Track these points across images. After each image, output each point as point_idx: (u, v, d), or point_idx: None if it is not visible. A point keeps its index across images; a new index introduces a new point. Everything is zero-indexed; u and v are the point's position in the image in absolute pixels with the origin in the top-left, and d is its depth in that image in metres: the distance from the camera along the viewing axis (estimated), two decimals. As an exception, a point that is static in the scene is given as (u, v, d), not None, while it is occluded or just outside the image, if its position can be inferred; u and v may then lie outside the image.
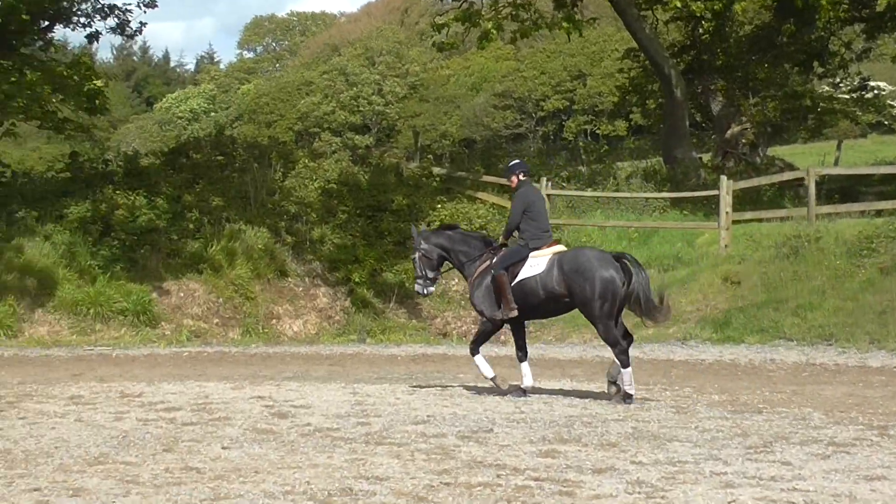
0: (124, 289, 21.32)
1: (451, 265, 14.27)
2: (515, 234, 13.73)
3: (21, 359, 18.33)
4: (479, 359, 13.76)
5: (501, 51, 47.92)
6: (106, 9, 26.48)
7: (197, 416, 11.68)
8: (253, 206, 25.21)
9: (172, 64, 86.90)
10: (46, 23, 25.94)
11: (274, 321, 22.06)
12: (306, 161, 26.65)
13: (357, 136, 52.85)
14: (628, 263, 13.21)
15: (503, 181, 25.74)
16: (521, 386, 13.59)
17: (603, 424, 10.89)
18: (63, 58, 28.10)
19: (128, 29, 27.26)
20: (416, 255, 14.16)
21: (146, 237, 22.89)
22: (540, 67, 53.21)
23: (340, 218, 24.92)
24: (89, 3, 26.33)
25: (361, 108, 54.49)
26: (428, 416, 11.65)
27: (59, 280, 21.62)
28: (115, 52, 77.95)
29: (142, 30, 27.28)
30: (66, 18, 26.17)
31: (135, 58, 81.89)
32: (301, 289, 23.52)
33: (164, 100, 65.49)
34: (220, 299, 22.54)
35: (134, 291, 21.60)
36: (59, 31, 24.64)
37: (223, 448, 9.76)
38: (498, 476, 8.48)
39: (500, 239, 14.24)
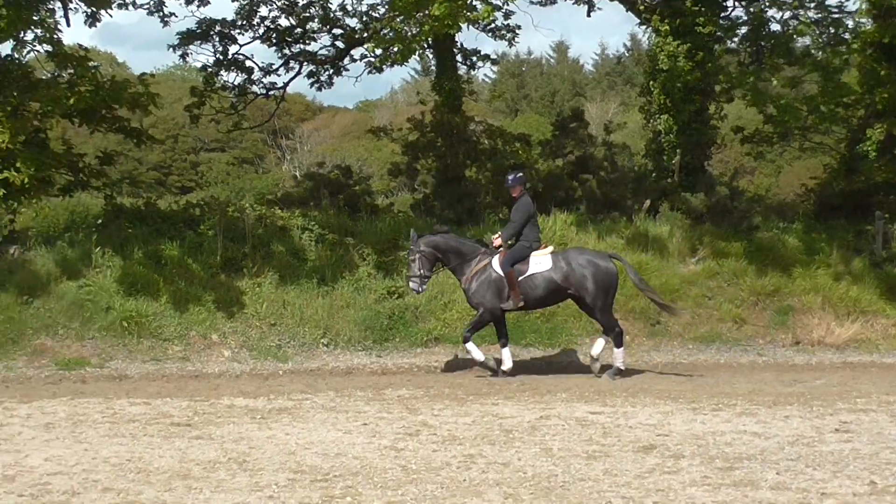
0: None
1: (442, 265, 16.53)
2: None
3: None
4: (470, 346, 16.25)
5: None
6: None
7: None
8: None
9: None
10: None
11: None
12: None
13: None
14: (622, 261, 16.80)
15: None
16: (503, 368, 16.31)
17: None
18: None
19: None
20: (416, 255, 16.23)
21: None
22: None
23: None
24: None
25: None
26: None
27: None
28: None
29: None
30: None
31: None
32: None
33: None
34: None
35: None
36: None
37: None
38: None
39: (497, 240, 16.35)
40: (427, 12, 18.03)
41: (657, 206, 23.41)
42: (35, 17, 18.52)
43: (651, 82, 24.07)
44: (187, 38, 25.50)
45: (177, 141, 54.26)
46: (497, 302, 16.16)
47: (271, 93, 27.21)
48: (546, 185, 24.63)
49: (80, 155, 21.73)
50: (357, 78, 48.76)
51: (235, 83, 26.45)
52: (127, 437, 11.07)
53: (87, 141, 33.26)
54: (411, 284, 16.58)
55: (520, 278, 16.05)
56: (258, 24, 25.93)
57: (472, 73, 26.76)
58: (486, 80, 66.69)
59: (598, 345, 16.43)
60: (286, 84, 27.39)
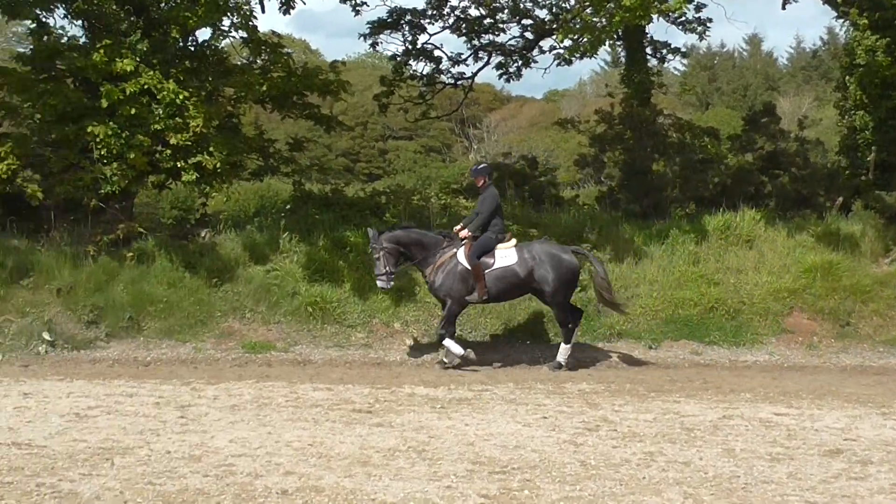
0: None
1: (406, 260, 16.30)
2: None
3: None
4: (447, 341, 16.03)
5: None
6: None
7: None
8: None
9: None
10: None
11: None
12: None
13: None
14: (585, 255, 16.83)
15: None
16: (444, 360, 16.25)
17: None
18: None
19: None
20: (381, 253, 15.92)
21: None
22: None
23: None
24: None
25: None
26: None
27: None
28: None
29: None
30: None
31: None
32: None
33: None
34: None
35: None
36: None
37: None
38: None
39: (464, 231, 16.22)
40: (618, 3, 17.84)
41: (850, 204, 22.69)
42: (231, 4, 19.02)
43: (847, 77, 23.34)
44: (378, 27, 25.91)
45: (366, 128, 55.28)
46: (464, 293, 16.08)
47: (459, 82, 27.40)
48: (735, 179, 24.16)
49: (270, 140, 22.30)
50: (546, 69, 48.79)
51: (424, 72, 26.77)
52: (309, 422, 11.30)
53: (279, 127, 34.17)
54: (379, 283, 16.23)
55: (486, 272, 16.00)
56: (448, 14, 26.17)
57: (662, 65, 26.37)
58: (676, 72, 65.74)
59: (564, 352, 16.36)
60: (474, 74, 27.56)
